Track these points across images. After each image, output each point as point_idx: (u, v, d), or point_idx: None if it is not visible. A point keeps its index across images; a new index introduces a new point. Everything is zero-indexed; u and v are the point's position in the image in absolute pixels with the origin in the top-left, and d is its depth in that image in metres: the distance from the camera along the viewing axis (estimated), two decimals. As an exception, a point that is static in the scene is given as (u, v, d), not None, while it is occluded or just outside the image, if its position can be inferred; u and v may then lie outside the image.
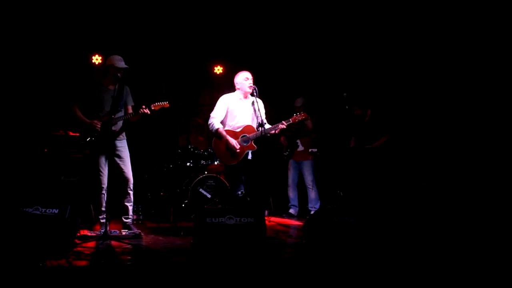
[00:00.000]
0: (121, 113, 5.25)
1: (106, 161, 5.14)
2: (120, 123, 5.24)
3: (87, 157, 6.07)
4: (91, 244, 4.46)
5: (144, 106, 5.14)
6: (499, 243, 4.69)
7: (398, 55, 7.13)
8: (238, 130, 5.30)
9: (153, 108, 5.19)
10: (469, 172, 6.16)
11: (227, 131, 5.29)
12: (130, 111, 5.34)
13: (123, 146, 5.27)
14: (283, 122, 5.21)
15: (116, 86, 5.04)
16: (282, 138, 7.38)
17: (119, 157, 5.21)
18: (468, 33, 6.30)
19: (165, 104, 5.27)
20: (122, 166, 5.21)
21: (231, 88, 5.53)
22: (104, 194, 5.12)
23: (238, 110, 5.36)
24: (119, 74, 5.05)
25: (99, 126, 5.08)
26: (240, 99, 5.40)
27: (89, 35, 7.38)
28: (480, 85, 6.22)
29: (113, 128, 5.13)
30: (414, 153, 6.68)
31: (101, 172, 5.11)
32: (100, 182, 5.11)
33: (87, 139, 5.11)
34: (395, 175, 6.31)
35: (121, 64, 5.16)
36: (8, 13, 6.57)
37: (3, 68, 6.73)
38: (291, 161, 7.32)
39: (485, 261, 4.07)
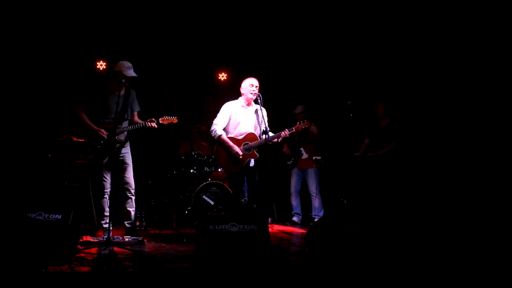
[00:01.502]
0: (127, 122, 5.25)
1: (110, 167, 5.14)
2: (124, 133, 5.23)
3: (91, 163, 6.10)
4: (94, 250, 4.44)
5: (153, 119, 5.13)
6: (504, 248, 4.66)
7: (411, 63, 7.11)
8: (241, 137, 5.31)
9: (161, 122, 5.19)
10: (473, 180, 6.13)
11: (229, 138, 5.29)
12: (136, 117, 5.33)
13: (127, 152, 5.28)
14: (286, 130, 5.21)
15: (122, 92, 5.05)
16: (284, 148, 7.35)
17: (123, 163, 5.22)
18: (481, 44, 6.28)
19: (174, 119, 5.26)
20: (125, 172, 5.21)
21: (235, 95, 5.54)
22: (107, 200, 5.12)
23: (240, 118, 5.37)
24: (123, 80, 5.01)
25: (105, 134, 5.07)
26: (243, 106, 5.40)
27: (93, 41, 7.41)
28: (489, 98, 6.20)
29: (119, 135, 5.13)
30: (418, 161, 6.66)
31: (104, 177, 5.12)
32: (103, 187, 5.11)
33: (93, 146, 5.10)
34: (399, 183, 6.29)
35: (130, 72, 5.12)
36: (13, 19, 6.61)
37: (8, 74, 6.76)
38: (294, 169, 7.29)
39: (489, 267, 4.05)
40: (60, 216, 4.16)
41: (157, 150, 7.55)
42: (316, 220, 6.91)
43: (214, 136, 5.33)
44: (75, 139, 6.45)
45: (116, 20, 7.25)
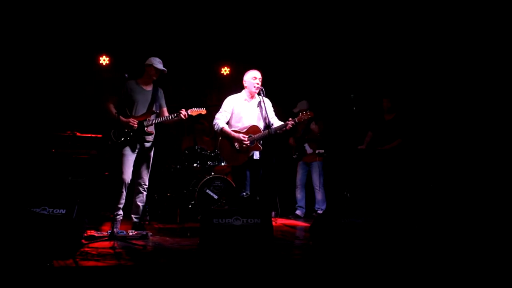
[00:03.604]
0: (155, 115, 5.31)
1: (133, 161, 5.18)
2: (153, 125, 5.29)
3: (96, 157, 6.12)
4: (98, 244, 4.46)
5: (183, 110, 5.19)
6: (506, 242, 4.66)
7: (415, 57, 7.07)
8: (244, 130, 5.30)
9: (190, 113, 5.23)
10: (476, 174, 6.12)
11: (232, 131, 5.28)
12: (166, 113, 5.39)
13: (151, 148, 5.33)
14: (290, 120, 5.19)
15: (150, 88, 5.27)
16: (291, 140, 7.37)
17: (146, 157, 5.28)
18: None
19: (203, 110, 5.30)
20: (144, 167, 5.28)
21: (239, 89, 5.52)
22: (124, 193, 5.14)
23: (243, 111, 5.36)
24: (154, 77, 5.25)
25: (136, 125, 5.12)
26: (245, 99, 5.39)
27: (96, 36, 7.42)
28: (494, 93, 6.17)
29: (148, 127, 5.21)
30: (423, 156, 6.65)
31: (127, 170, 5.13)
32: (124, 180, 5.11)
33: (121, 139, 5.11)
34: (403, 177, 6.28)
35: (160, 66, 5.27)
36: (15, 14, 6.61)
37: (12, 70, 6.77)
38: (300, 162, 7.32)
39: (493, 259, 4.05)
40: (64, 210, 4.17)
41: (160, 145, 7.55)
42: (318, 213, 6.93)
43: (217, 129, 5.32)
44: (79, 134, 6.48)
45: (119, 16, 7.24)
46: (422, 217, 5.81)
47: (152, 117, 5.25)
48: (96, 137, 6.52)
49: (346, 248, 4.27)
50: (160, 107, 5.41)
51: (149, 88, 5.32)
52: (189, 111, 5.23)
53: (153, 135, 5.30)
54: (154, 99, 5.30)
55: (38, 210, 4.11)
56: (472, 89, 6.38)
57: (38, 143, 6.53)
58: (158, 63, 5.28)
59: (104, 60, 7.62)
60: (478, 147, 6.21)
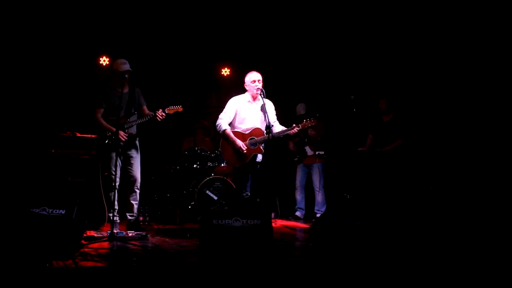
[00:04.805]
0: (136, 116, 5.40)
1: (119, 161, 5.27)
2: (135, 125, 5.38)
3: (95, 158, 6.13)
4: (98, 245, 4.45)
5: (160, 110, 5.25)
6: (505, 244, 4.65)
7: (413, 58, 7.07)
8: (247, 132, 5.30)
9: (167, 112, 5.30)
10: (475, 174, 6.12)
11: (235, 132, 5.28)
12: (147, 111, 5.46)
13: (136, 147, 5.42)
14: (294, 126, 5.20)
15: (126, 90, 5.26)
16: (290, 145, 7.36)
17: (131, 157, 5.36)
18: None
19: (179, 108, 5.40)
20: (132, 166, 5.36)
21: (239, 90, 5.52)
22: (115, 195, 5.16)
23: (246, 112, 5.36)
24: (126, 76, 5.20)
25: (125, 138, 5.24)
26: (249, 101, 5.39)
27: (96, 37, 7.42)
28: (491, 92, 6.16)
29: (129, 130, 5.31)
30: (422, 157, 6.65)
31: (114, 171, 5.19)
32: (112, 181, 5.17)
33: (106, 142, 5.25)
34: (402, 178, 6.28)
35: (125, 67, 5.30)
36: (15, 14, 6.61)
37: (12, 70, 6.77)
38: (300, 164, 7.32)
39: (492, 260, 4.04)
40: (64, 211, 4.17)
41: (160, 146, 7.56)
42: (318, 215, 6.92)
43: (219, 130, 5.32)
44: (78, 134, 6.47)
45: (120, 17, 7.25)
46: (422, 219, 5.81)
47: (132, 118, 5.35)
48: (96, 137, 6.53)
49: (345, 250, 4.27)
50: (140, 106, 5.48)
51: (125, 90, 5.34)
52: (166, 110, 5.30)
53: (135, 135, 5.39)
54: (132, 100, 5.37)
55: (37, 210, 4.11)
56: (469, 89, 6.39)
57: (38, 143, 6.52)
58: (121, 65, 5.31)
59: (104, 61, 7.62)
60: (477, 146, 6.21)
